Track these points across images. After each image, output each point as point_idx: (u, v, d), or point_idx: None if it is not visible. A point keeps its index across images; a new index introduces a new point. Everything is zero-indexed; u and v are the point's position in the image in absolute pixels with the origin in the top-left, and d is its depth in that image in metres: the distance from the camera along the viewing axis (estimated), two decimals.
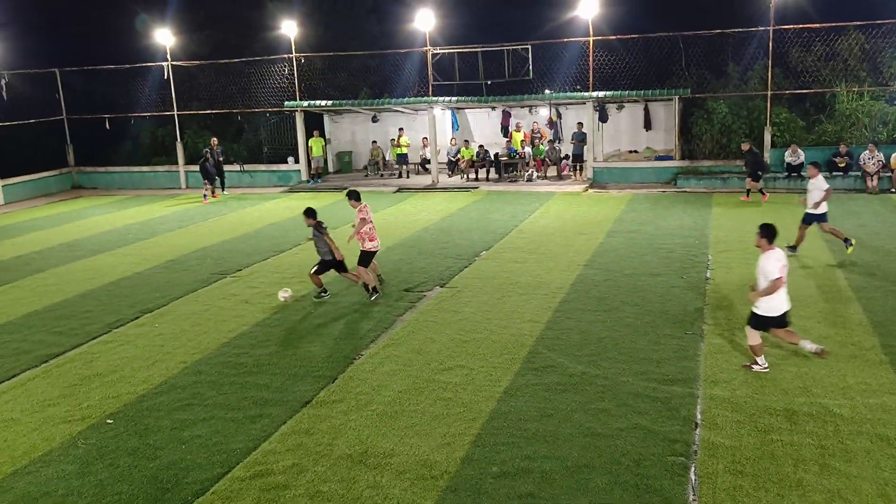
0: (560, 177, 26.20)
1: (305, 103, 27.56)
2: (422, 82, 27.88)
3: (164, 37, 28.51)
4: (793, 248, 14.18)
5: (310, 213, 12.50)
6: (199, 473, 7.15)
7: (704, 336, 10.17)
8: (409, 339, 10.56)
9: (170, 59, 28.64)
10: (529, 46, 25.64)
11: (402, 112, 29.47)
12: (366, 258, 12.57)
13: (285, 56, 28.28)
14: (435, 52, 26.80)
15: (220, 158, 26.11)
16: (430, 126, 26.28)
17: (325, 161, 29.15)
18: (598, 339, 10.22)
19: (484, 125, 29.77)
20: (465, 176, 27.00)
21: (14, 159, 27.74)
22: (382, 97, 28.84)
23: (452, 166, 27.74)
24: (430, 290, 13.03)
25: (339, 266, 12.59)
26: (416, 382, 9.04)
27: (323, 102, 27.79)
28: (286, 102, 27.76)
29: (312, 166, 27.95)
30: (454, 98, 26.52)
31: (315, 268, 12.55)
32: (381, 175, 28.62)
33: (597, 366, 9.30)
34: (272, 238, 18.03)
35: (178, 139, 29.28)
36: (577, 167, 25.54)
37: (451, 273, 14.07)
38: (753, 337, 8.96)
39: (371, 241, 12.55)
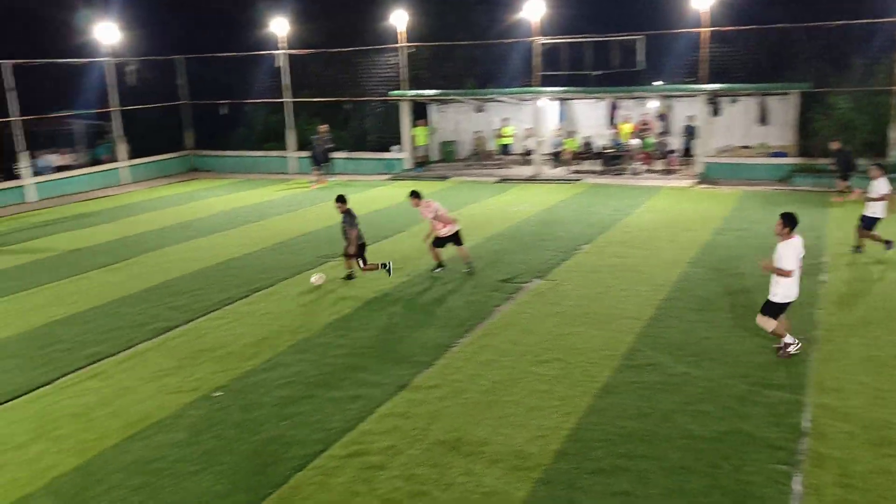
0: (668, 171, 25.52)
1: (411, 93, 27.87)
2: (527, 72, 27.69)
3: (280, 26, 29.40)
4: (888, 243, 13.77)
5: (341, 199, 13.08)
6: (299, 449, 7.39)
7: (816, 342, 9.73)
8: (505, 330, 10.57)
9: (284, 47, 29.52)
10: (640, 37, 25.05)
11: (507, 102, 29.38)
12: (440, 242, 13.48)
13: (394, 46, 28.67)
14: (543, 42, 26.57)
15: (329, 146, 26.67)
16: (535, 117, 26.08)
17: (429, 149, 29.43)
18: (701, 339, 9.94)
19: (590, 116, 29.31)
20: (569, 168, 26.70)
21: (139, 141, 29.35)
22: (488, 87, 28.80)
23: (555, 157, 27.49)
24: (529, 281, 12.98)
25: (360, 251, 13.07)
26: (512, 373, 9.04)
27: (428, 92, 28.04)
28: (391, 92, 28.15)
29: (417, 155, 28.26)
30: (560, 88, 26.21)
31: (362, 262, 13.06)
32: (484, 165, 28.65)
33: (699, 366, 9.05)
34: (377, 224, 18.32)
35: (289, 126, 30.19)
36: (687, 162, 24.79)
37: (551, 265, 13.96)
38: (769, 323, 9.07)
39: (444, 227, 13.31)
